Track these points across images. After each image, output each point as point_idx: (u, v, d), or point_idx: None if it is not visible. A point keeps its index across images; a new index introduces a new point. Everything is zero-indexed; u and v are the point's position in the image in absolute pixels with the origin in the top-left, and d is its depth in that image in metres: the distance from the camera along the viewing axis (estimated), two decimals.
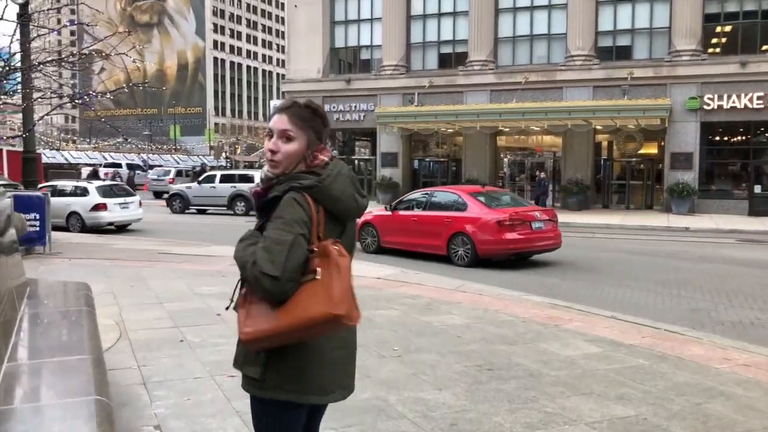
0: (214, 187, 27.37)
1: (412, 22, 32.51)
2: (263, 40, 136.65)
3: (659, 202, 28.35)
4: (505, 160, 33.36)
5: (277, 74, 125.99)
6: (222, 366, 5.33)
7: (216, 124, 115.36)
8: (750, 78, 25.87)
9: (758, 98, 25.59)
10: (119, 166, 53.23)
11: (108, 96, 14.30)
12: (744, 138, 27.28)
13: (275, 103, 45.94)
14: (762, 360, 5.77)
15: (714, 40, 27.82)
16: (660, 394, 4.81)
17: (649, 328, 6.95)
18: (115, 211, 18.64)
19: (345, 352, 2.43)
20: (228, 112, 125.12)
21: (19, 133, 14.19)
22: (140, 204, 20.05)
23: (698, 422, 4.29)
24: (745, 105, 25.94)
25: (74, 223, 18.00)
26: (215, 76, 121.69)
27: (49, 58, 13.03)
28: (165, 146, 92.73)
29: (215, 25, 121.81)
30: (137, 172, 49.94)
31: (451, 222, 12.74)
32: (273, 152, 2.36)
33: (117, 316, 7.20)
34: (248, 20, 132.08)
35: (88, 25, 14.57)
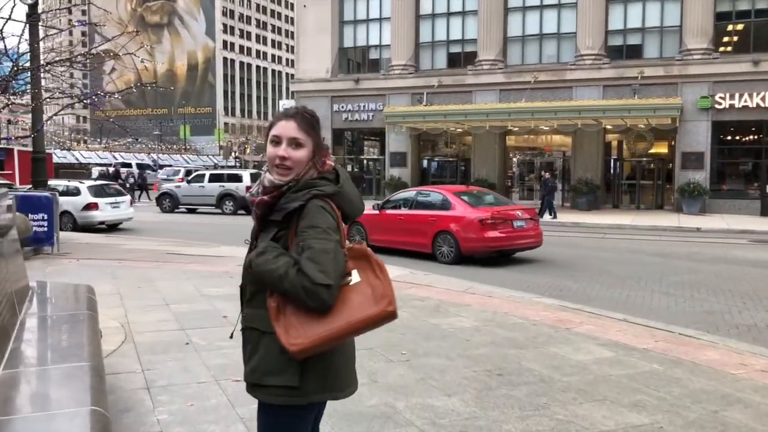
0: (203, 187, 27.66)
1: (421, 22, 32.40)
2: (273, 41, 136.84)
3: (670, 202, 28.12)
4: (514, 159, 33.20)
5: (287, 74, 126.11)
6: (227, 370, 5.25)
7: (226, 124, 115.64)
8: (762, 77, 25.62)
9: None
10: (129, 165, 53.37)
11: (116, 96, 14.27)
12: (756, 137, 26.99)
13: (285, 103, 45.91)
14: None
15: (725, 39, 27.57)
16: (675, 401, 4.68)
17: (663, 331, 6.81)
18: (106, 211, 18.91)
19: (353, 345, 2.49)
20: (237, 112, 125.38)
21: (29, 134, 14.16)
22: (131, 203, 20.45)
23: (716, 431, 4.16)
24: (758, 104, 25.69)
25: (66, 222, 18.08)
26: (225, 76, 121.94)
27: (58, 58, 13.00)
28: (175, 146, 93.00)
29: (225, 25, 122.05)
30: (147, 171, 50.08)
31: (435, 221, 13.04)
32: (283, 159, 2.33)
33: (123, 318, 7.13)
34: (258, 20, 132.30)
35: (96, 25, 14.51)
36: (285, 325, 2.19)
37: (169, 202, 28.19)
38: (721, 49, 27.26)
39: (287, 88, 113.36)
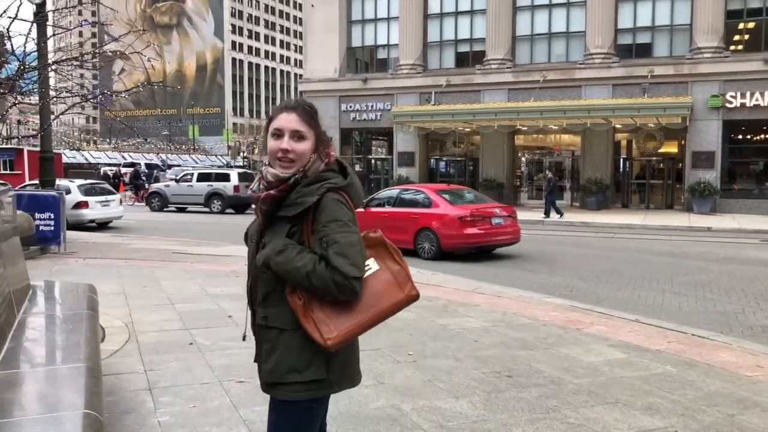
0: (191, 186, 27.93)
1: (429, 21, 32.27)
2: (281, 41, 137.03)
3: (680, 201, 27.88)
4: (523, 159, 33.00)
5: (295, 74, 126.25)
6: (230, 371, 5.16)
7: (234, 125, 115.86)
8: None
9: None
10: (138, 165, 53.45)
11: (123, 95, 14.22)
12: None
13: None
14: None
15: (737, 37, 27.31)
16: (690, 404, 4.55)
17: (675, 332, 6.68)
18: (96, 209, 19.17)
19: None
20: (246, 112, 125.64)
21: (36, 134, 14.14)
22: (121, 202, 20.89)
23: None
24: None
25: None
26: (233, 76, 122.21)
27: (65, 57, 12.96)
28: (184, 146, 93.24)
29: (233, 26, 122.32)
30: (155, 171, 50.23)
31: (418, 218, 13.47)
32: (286, 152, 2.27)
33: (127, 317, 7.06)
34: (266, 21, 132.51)
35: (103, 24, 14.46)
36: (313, 321, 2.19)
37: (158, 201, 28.51)
38: (732, 47, 27.00)
39: (296, 89, 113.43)
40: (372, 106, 32.99)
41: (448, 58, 32.18)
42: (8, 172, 35.78)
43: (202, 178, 28.29)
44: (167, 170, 50.59)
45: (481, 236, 13.09)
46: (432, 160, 33.54)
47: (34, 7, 14.11)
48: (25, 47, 12.59)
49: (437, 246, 13.09)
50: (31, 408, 2.48)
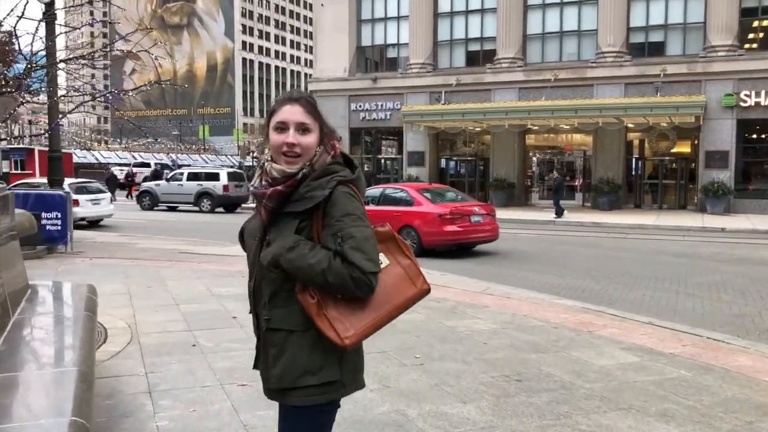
0: (181, 185, 28.16)
1: (439, 20, 32.10)
2: (291, 41, 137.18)
3: (693, 201, 27.58)
4: (534, 158, 32.78)
5: (305, 74, 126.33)
6: (233, 373, 5.04)
7: (245, 125, 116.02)
8: None
9: None
10: (148, 165, 53.60)
11: (131, 94, 14.17)
12: None
13: None
14: None
15: (751, 35, 26.99)
16: (706, 410, 4.39)
17: (690, 335, 6.50)
18: (87, 207, 19.28)
19: None
20: (256, 112, 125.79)
21: (43, 132, 14.11)
22: (111, 201, 21.09)
23: None
24: None
25: None
26: (244, 76, 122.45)
27: (72, 56, 12.92)
28: (194, 146, 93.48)
29: (244, 26, 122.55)
30: (165, 171, 50.30)
31: (400, 216, 13.66)
32: (292, 146, 2.17)
33: (131, 318, 6.96)
34: (276, 21, 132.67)
35: (111, 23, 14.39)
36: (328, 320, 2.10)
37: (148, 200, 28.83)
38: (747, 45, 26.66)
39: (306, 89, 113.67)
40: (382, 105, 32.85)
41: (459, 57, 32.00)
42: (20, 171, 36.00)
43: (192, 177, 28.55)
44: (177, 170, 50.65)
45: (460, 233, 13.45)
46: (442, 160, 33.36)
47: (43, 6, 14.11)
48: (32, 46, 12.57)
49: (418, 243, 13.27)
50: (15, 415, 2.36)
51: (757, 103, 25.47)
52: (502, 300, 8.27)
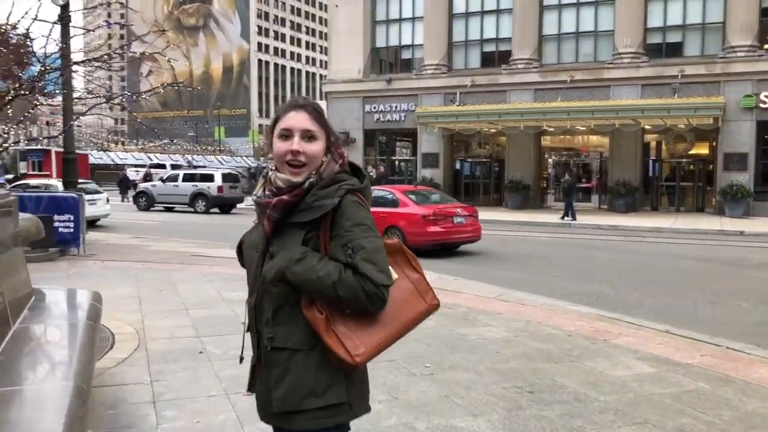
0: (176, 186, 28.75)
1: (454, 21, 31.95)
2: (307, 42, 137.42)
3: (711, 204, 27.23)
4: (550, 160, 32.52)
5: (320, 76, 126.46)
6: (239, 382, 4.93)
7: (260, 126, 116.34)
8: None
9: None
10: (164, 167, 53.88)
11: (144, 96, 14.17)
12: None
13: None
14: None
15: None
16: (726, 426, 4.23)
17: (709, 344, 6.33)
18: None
19: None
20: (272, 113, 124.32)
21: (57, 135, 14.15)
22: (107, 201, 21.26)
23: None
24: None
25: None
26: (259, 78, 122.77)
27: (85, 58, 12.94)
28: (210, 147, 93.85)
29: (259, 27, 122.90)
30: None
31: (386, 216, 13.90)
32: (297, 153, 2.07)
33: (139, 323, 6.91)
34: (292, 22, 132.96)
35: (124, 25, 14.40)
36: (336, 337, 1.98)
37: (145, 201, 29.40)
38: (767, 46, 26.26)
39: (321, 90, 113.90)
40: (396, 106, 32.74)
41: (474, 58, 31.83)
42: (37, 172, 36.29)
43: (188, 178, 29.12)
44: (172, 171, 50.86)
45: (443, 234, 13.95)
46: (457, 162, 33.18)
47: (59, 8, 14.16)
48: (45, 48, 12.60)
49: (402, 242, 13.43)
50: None
51: None
52: (516, 306, 8.12)
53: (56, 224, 12.11)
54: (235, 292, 8.68)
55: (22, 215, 5.83)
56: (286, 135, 2.08)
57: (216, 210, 28.31)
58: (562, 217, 23.08)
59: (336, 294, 1.94)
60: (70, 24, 13.85)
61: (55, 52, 13.05)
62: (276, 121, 2.13)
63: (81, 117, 16.08)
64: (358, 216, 2.03)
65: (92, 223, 20.30)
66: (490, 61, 31.29)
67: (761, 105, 25.33)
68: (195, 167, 55.19)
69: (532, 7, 29.69)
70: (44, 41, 12.06)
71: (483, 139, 32.44)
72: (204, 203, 27.89)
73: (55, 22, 12.94)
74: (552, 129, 29.85)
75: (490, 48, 31.53)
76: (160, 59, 13.53)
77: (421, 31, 32.45)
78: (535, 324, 7.11)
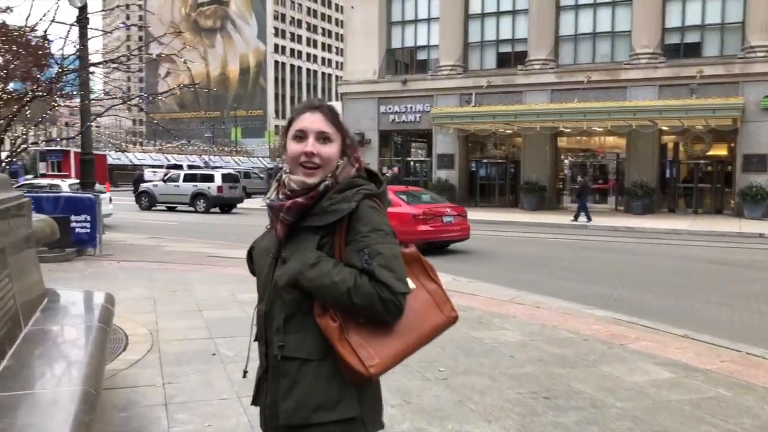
0: (177, 186, 29.37)
1: (470, 22, 31.85)
2: (323, 44, 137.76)
3: (729, 206, 26.93)
4: (566, 161, 32.32)
5: (336, 77, 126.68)
6: (251, 385, 4.90)
7: (276, 127, 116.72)
8: None
9: None
10: (181, 167, 54.17)
11: (160, 97, 14.23)
12: None
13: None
14: None
15: None
16: None
17: (728, 350, 6.21)
18: None
19: None
20: (288, 114, 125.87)
21: (74, 136, 14.25)
22: (110, 200, 21.21)
23: None
24: None
25: None
26: (276, 79, 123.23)
27: (102, 60, 13.02)
28: (226, 148, 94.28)
29: (276, 29, 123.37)
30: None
31: None
32: (311, 155, 2.00)
33: (153, 324, 6.90)
34: (308, 24, 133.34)
35: (144, 27, 14.47)
36: (350, 347, 1.89)
37: (146, 200, 29.87)
38: None
39: (336, 91, 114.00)
40: (411, 107, 32.69)
41: (489, 59, 31.71)
42: (56, 172, 36.62)
43: (188, 178, 29.73)
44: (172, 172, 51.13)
45: (432, 233, 14.34)
46: (472, 163, 33.08)
47: (77, 10, 14.25)
48: (63, 50, 12.69)
49: None
50: None
51: None
52: (531, 309, 8.04)
53: (73, 224, 12.18)
54: (249, 294, 8.64)
55: (36, 216, 5.84)
56: (301, 136, 2.02)
57: (216, 210, 28.84)
58: (574, 219, 22.90)
59: (351, 301, 1.86)
60: (88, 26, 13.96)
61: (72, 54, 13.15)
62: (290, 123, 2.07)
63: (99, 118, 16.20)
64: (375, 221, 1.96)
65: None
66: (506, 61, 31.16)
67: None
68: (212, 168, 55.54)
69: (549, 7, 29.52)
70: (62, 43, 12.06)
71: (498, 140, 32.31)
72: (204, 203, 28.43)
73: (72, 24, 13.02)
74: (568, 130, 29.67)
75: (505, 49, 31.40)
76: (177, 60, 13.59)
77: (436, 31, 32.38)
78: (550, 328, 7.03)
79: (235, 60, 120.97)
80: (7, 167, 13.86)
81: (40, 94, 12.46)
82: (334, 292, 1.87)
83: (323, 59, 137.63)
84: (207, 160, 66.87)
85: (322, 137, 2.01)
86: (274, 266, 2.03)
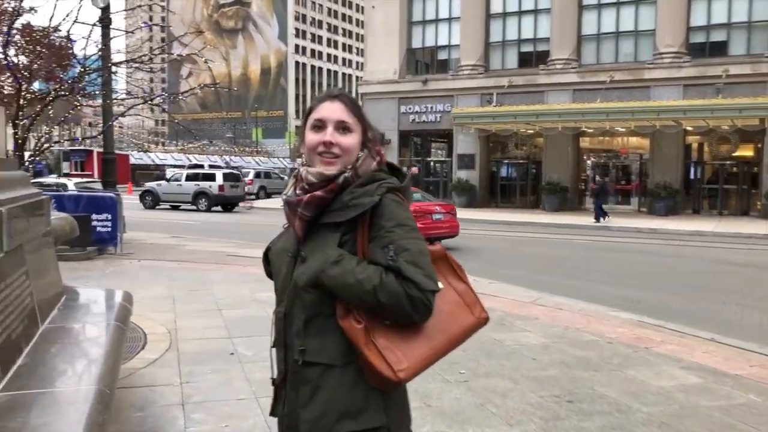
0: (180, 185, 29.89)
1: (492, 21, 31.66)
2: (343, 44, 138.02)
3: (756, 207, 26.46)
4: (588, 162, 32.00)
5: (357, 77, 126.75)
6: (269, 385, 4.85)
7: (296, 127, 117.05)
8: None
9: None
10: (202, 167, 54.46)
11: (181, 97, 14.28)
12: None
13: None
14: None
15: None
16: None
17: (758, 354, 6.04)
18: None
19: None
20: None
21: (96, 135, 14.35)
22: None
23: None
24: None
25: None
26: (296, 80, 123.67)
27: (123, 60, 13.10)
28: (247, 148, 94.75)
29: (297, 29, 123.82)
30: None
31: None
32: (330, 145, 1.89)
33: (171, 323, 6.89)
34: (329, 24, 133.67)
35: (167, 26, 14.52)
36: (377, 350, 1.76)
37: (151, 199, 30.35)
38: None
39: (357, 92, 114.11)
40: (432, 107, 32.56)
41: (511, 59, 31.49)
42: (79, 172, 37.01)
43: (190, 178, 30.19)
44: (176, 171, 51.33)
45: (421, 230, 14.82)
46: (493, 163, 32.86)
47: (99, 11, 14.35)
48: (85, 50, 12.79)
49: None
50: None
51: None
52: (553, 311, 7.91)
53: (94, 223, 12.24)
54: (268, 293, 8.56)
55: (55, 214, 5.84)
56: (319, 126, 1.92)
57: (219, 209, 29.36)
58: (596, 220, 22.69)
59: (376, 300, 1.74)
60: (110, 26, 14.06)
61: (94, 54, 13.25)
62: (309, 113, 1.97)
63: (121, 118, 16.31)
64: (400, 216, 1.85)
65: None
66: (528, 61, 30.93)
67: None
68: (232, 168, 55.82)
69: (571, 6, 29.25)
70: (84, 43, 12.13)
71: (520, 140, 32.07)
72: (206, 201, 28.97)
73: (94, 24, 13.12)
74: (591, 130, 29.37)
75: (527, 48, 31.16)
76: (199, 61, 13.64)
77: (457, 31, 32.22)
78: (573, 330, 6.90)
79: (256, 61, 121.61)
80: (31, 166, 14.00)
81: (63, 93, 12.57)
82: (358, 291, 1.76)
83: (344, 60, 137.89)
84: (228, 160, 67.23)
85: (342, 127, 1.92)
86: (293, 266, 1.92)
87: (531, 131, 30.46)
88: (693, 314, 8.49)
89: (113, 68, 12.89)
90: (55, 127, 13.86)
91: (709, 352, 6.08)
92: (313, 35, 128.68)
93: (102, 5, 14.43)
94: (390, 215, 1.84)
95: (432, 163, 34.92)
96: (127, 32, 13.89)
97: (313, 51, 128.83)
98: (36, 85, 14.05)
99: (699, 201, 28.48)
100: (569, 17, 29.27)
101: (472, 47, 31.46)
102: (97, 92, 14.42)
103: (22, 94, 12.06)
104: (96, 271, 10.49)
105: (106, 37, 13.61)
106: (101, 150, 29.32)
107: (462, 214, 25.99)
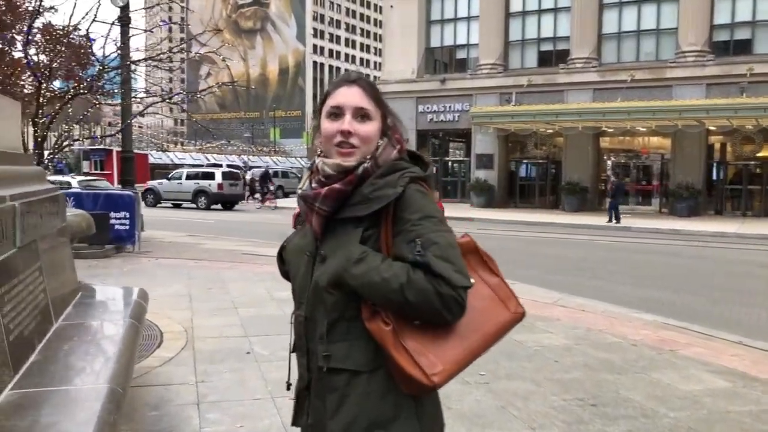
0: (180, 183, 30.65)
1: (511, 20, 31.43)
2: (361, 44, 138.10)
3: None
4: (609, 162, 31.66)
5: (375, 77, 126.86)
6: (285, 386, 4.77)
7: (313, 128, 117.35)
8: None
9: None
10: (220, 166, 54.65)
11: (198, 96, 14.28)
12: None
13: None
14: None
15: None
16: None
17: None
18: None
19: None
20: None
21: (114, 134, 14.40)
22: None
23: None
24: None
25: None
26: (314, 80, 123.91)
27: (141, 58, 13.13)
28: (265, 148, 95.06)
29: (315, 29, 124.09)
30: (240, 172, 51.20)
31: None
32: (348, 134, 1.75)
33: (188, 321, 6.84)
34: (347, 24, 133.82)
35: (182, 27, 14.54)
36: (407, 353, 1.64)
37: (152, 197, 30.87)
38: None
39: None
40: (450, 107, 32.40)
41: (530, 58, 31.24)
42: (99, 171, 37.29)
43: (190, 176, 30.91)
44: (247, 171, 51.49)
45: None
46: (512, 163, 32.62)
47: (119, 9, 14.40)
48: (104, 49, 12.81)
49: None
50: None
51: None
52: (575, 313, 7.76)
53: (112, 221, 12.26)
54: (285, 292, 8.49)
55: (71, 210, 5.81)
56: (336, 113, 1.78)
57: (219, 207, 29.82)
58: (616, 221, 22.43)
59: (404, 299, 1.61)
60: (129, 25, 14.09)
61: (113, 52, 13.28)
62: (325, 99, 1.83)
63: (140, 117, 16.36)
64: (426, 208, 1.71)
65: None
66: (547, 60, 30.67)
67: None
68: (250, 168, 55.96)
69: (592, 5, 28.95)
70: (104, 42, 12.17)
71: (539, 140, 31.81)
72: (205, 200, 29.53)
73: (113, 23, 13.15)
74: (611, 130, 29.05)
75: (547, 47, 30.90)
76: (217, 60, 13.63)
77: (476, 30, 32.03)
78: (596, 332, 6.75)
79: (274, 61, 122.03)
80: (51, 165, 14.07)
81: (82, 92, 12.60)
82: (384, 290, 1.63)
83: (362, 59, 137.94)
84: (246, 159, 67.46)
85: (360, 114, 1.78)
86: (312, 265, 1.80)
87: (550, 131, 30.20)
88: (717, 316, 8.30)
89: (132, 66, 12.88)
90: (75, 126, 13.88)
91: (737, 356, 5.92)
92: (331, 35, 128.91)
93: (121, 4, 14.46)
94: (415, 207, 1.70)
95: (450, 163, 34.75)
96: (146, 31, 13.93)
97: (331, 51, 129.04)
98: (56, 84, 14.13)
99: (722, 202, 28.07)
100: (589, 15, 28.98)
101: (491, 46, 31.26)
102: (116, 91, 14.48)
103: (42, 92, 12.12)
104: (114, 269, 10.50)
105: (125, 36, 13.65)
106: (120, 149, 29.61)
107: (480, 214, 25.85)
